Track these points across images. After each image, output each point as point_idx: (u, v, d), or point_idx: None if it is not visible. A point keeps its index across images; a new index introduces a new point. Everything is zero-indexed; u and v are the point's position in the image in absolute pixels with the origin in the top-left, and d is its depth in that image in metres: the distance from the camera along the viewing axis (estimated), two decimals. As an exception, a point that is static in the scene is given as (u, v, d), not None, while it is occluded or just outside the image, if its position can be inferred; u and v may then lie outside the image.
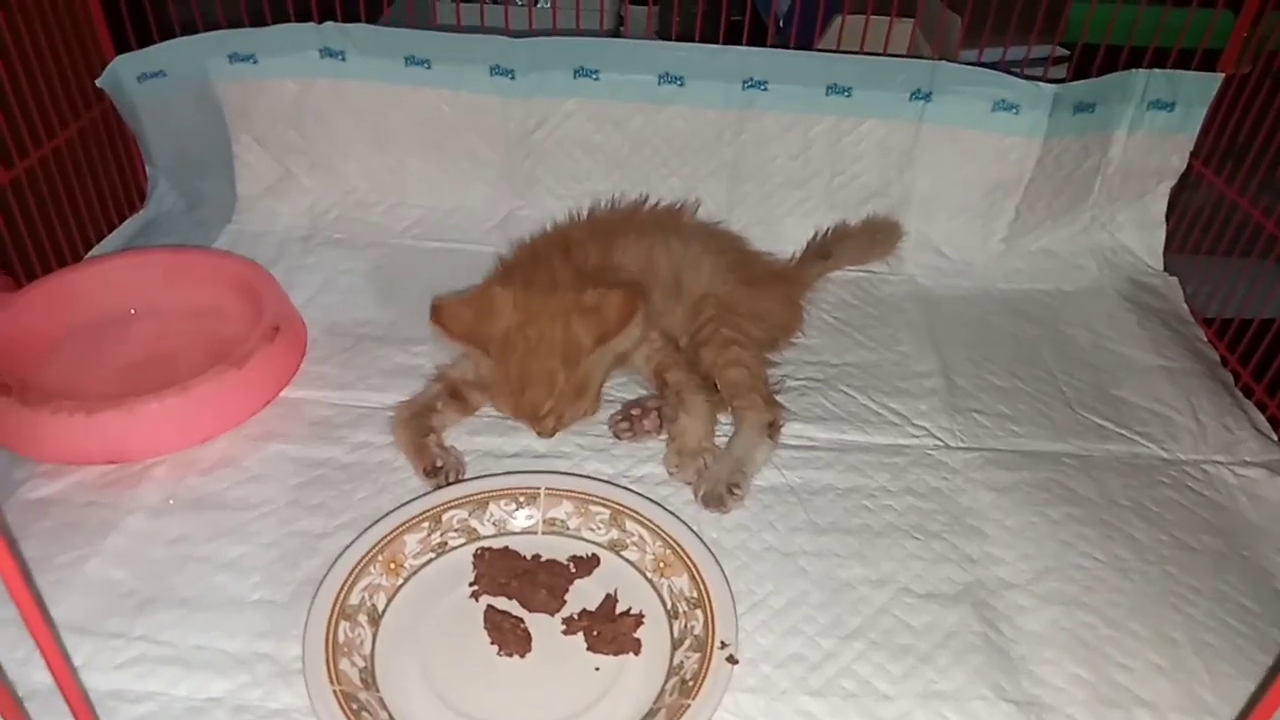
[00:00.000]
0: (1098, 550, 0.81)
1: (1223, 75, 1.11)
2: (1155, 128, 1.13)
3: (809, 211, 1.18)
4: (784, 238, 1.16)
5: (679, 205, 1.12)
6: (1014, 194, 1.14)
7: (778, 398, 0.92)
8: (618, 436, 0.89)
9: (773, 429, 0.88)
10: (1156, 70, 1.10)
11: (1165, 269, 1.18)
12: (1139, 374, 1.01)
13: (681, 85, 1.12)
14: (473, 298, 0.88)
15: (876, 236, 1.16)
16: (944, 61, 1.10)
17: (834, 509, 0.83)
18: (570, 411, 0.86)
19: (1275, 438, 0.94)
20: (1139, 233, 1.19)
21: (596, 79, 1.12)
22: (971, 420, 0.94)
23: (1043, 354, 1.04)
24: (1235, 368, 1.04)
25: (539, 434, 0.87)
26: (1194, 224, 1.17)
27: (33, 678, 0.64)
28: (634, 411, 0.90)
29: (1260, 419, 0.97)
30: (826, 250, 1.13)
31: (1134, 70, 1.10)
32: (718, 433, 0.89)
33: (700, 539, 0.76)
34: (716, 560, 0.74)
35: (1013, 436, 0.92)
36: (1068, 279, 1.16)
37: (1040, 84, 1.08)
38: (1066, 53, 1.26)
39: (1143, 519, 0.84)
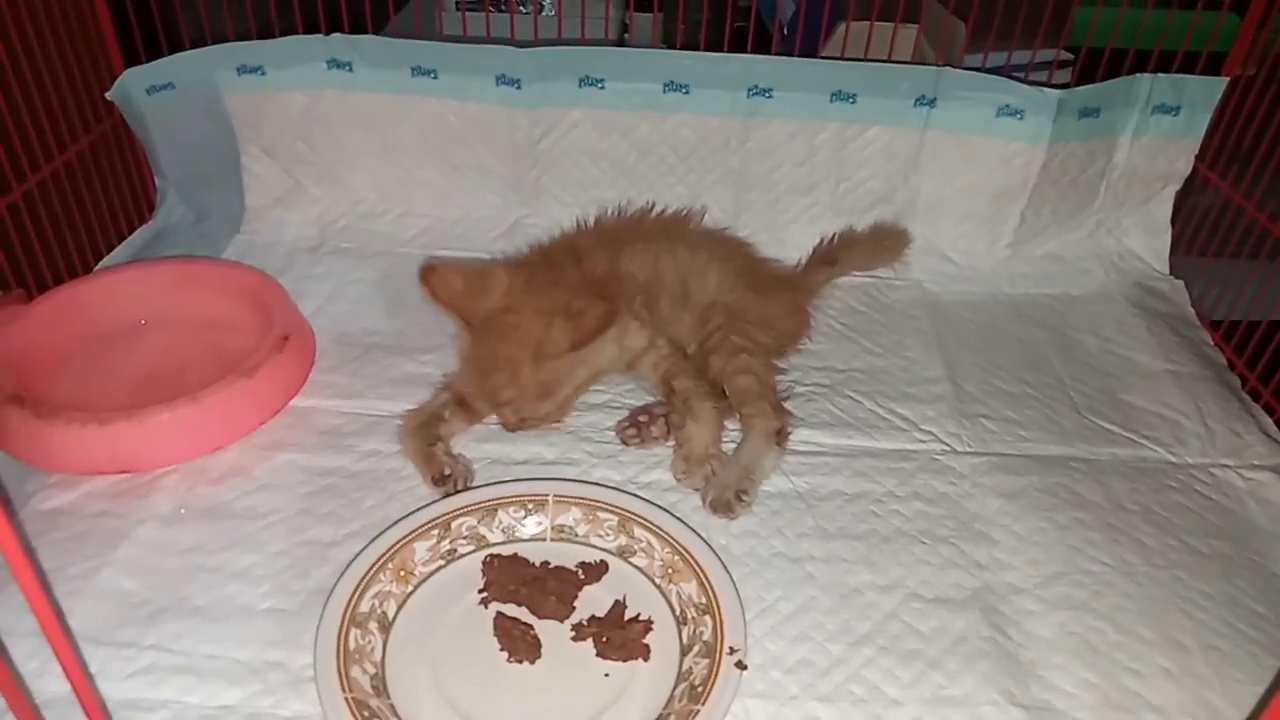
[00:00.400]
0: (1106, 555, 0.81)
1: (1227, 79, 1.11)
2: (1160, 132, 1.13)
3: (815, 218, 1.18)
4: (790, 244, 1.16)
5: (685, 213, 1.12)
6: (1019, 199, 1.14)
7: (785, 404, 0.92)
8: (625, 443, 0.90)
9: (781, 436, 0.88)
10: (1161, 74, 1.10)
11: (1171, 272, 1.18)
12: (1146, 378, 1.01)
13: (686, 93, 1.13)
14: (470, 270, 0.88)
15: (883, 242, 1.16)
16: (948, 68, 1.11)
17: (842, 514, 0.83)
18: (531, 409, 0.86)
19: (1283, 441, 0.94)
20: (1145, 237, 1.19)
21: (602, 88, 1.13)
22: (979, 425, 0.94)
23: (1050, 359, 1.04)
24: (1243, 371, 1.04)
25: (504, 426, 0.87)
26: (1200, 227, 1.17)
27: (48, 687, 0.65)
28: (641, 418, 0.90)
29: (1268, 422, 0.97)
30: (833, 256, 1.13)
31: (1138, 75, 1.10)
32: (725, 439, 0.89)
33: (708, 545, 0.76)
34: (725, 566, 0.74)
35: (1020, 441, 0.92)
36: (1074, 284, 1.16)
37: (1044, 89, 1.08)
38: (1071, 57, 1.27)
39: (1151, 524, 0.84)
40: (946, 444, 0.91)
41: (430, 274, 0.86)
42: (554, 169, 1.18)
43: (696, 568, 0.74)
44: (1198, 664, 0.72)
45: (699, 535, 0.77)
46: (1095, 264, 1.18)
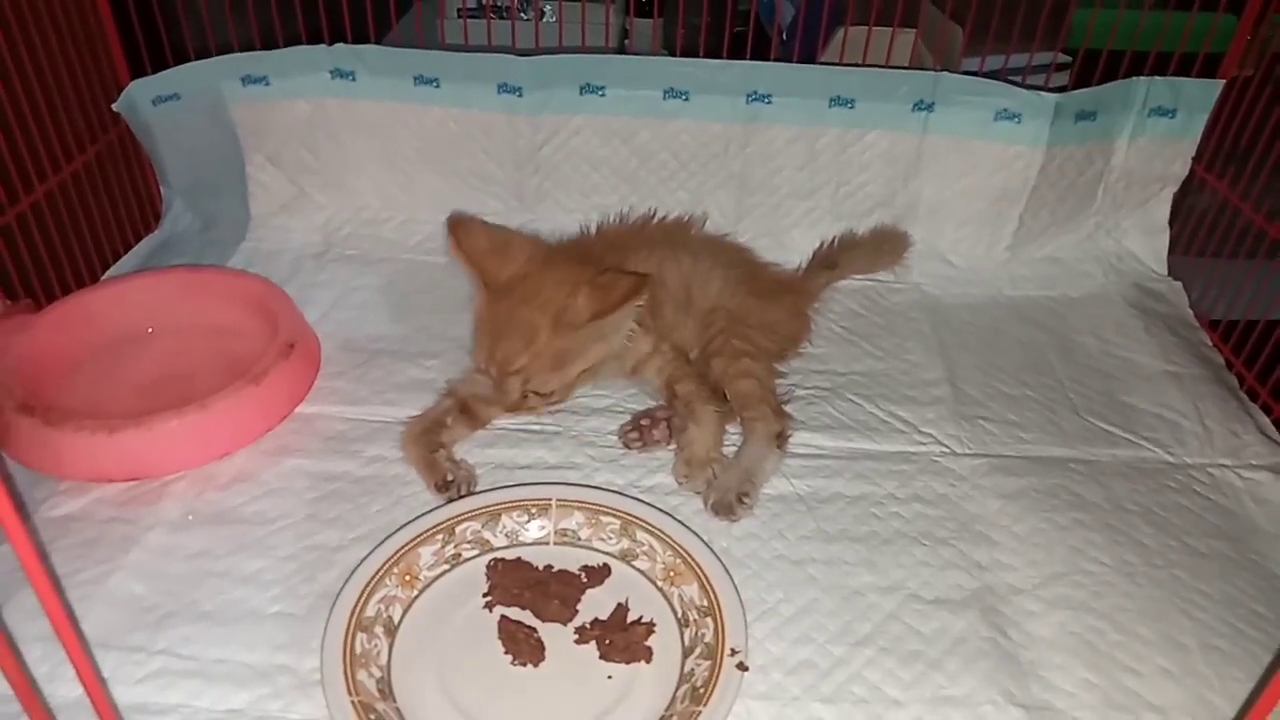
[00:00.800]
0: (1106, 555, 0.81)
1: (1224, 81, 1.11)
2: (1157, 134, 1.14)
3: (815, 222, 1.19)
4: (791, 248, 1.17)
5: (687, 218, 1.13)
6: (1018, 202, 1.15)
7: (786, 407, 0.93)
8: (628, 447, 0.90)
9: (781, 439, 0.89)
10: (1157, 77, 1.10)
11: (1169, 273, 1.19)
12: (1145, 379, 1.02)
13: (687, 100, 1.13)
14: (498, 232, 0.89)
15: (883, 246, 1.17)
16: (946, 72, 1.11)
17: (842, 517, 0.84)
18: (540, 381, 0.86)
19: (1282, 441, 0.95)
20: (1143, 238, 1.20)
21: (603, 95, 1.13)
22: (979, 427, 0.94)
23: (1049, 360, 1.04)
24: (1240, 371, 1.04)
25: (505, 405, 0.87)
26: (1198, 228, 1.17)
27: (59, 692, 0.66)
28: (644, 422, 0.91)
29: (1266, 422, 0.97)
30: (833, 260, 1.14)
31: (1135, 78, 1.10)
32: (726, 443, 0.90)
33: (710, 548, 0.77)
34: (726, 569, 0.75)
35: (1020, 443, 0.93)
36: (1073, 286, 1.16)
37: (1042, 93, 1.09)
38: (1069, 59, 1.27)
39: (1150, 524, 0.84)
40: (946, 446, 0.92)
41: (457, 227, 0.86)
42: (555, 175, 1.18)
43: (698, 570, 0.75)
44: (1197, 663, 0.73)
45: (700, 538, 0.78)
46: (1094, 266, 1.18)
